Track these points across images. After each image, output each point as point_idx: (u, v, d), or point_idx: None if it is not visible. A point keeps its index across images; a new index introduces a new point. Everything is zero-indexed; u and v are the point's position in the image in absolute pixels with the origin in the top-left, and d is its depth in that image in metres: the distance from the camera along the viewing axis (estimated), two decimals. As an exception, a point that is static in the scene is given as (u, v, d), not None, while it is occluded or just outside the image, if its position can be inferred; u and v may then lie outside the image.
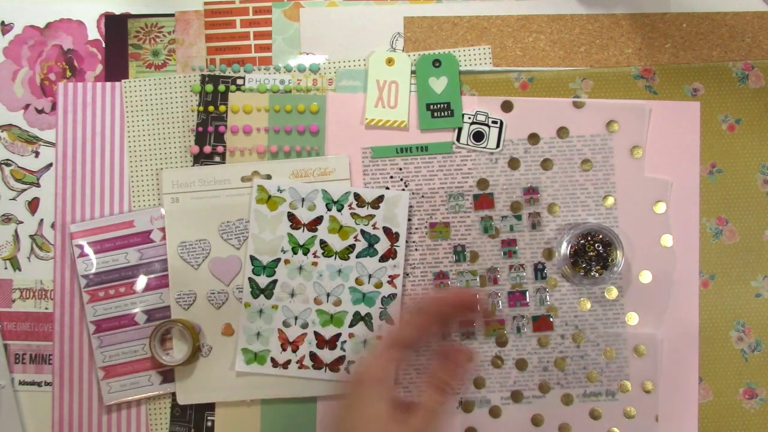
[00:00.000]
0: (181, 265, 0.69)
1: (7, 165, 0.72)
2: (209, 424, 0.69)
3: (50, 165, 0.72)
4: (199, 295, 0.69)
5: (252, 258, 0.69)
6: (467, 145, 0.70)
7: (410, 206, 0.70)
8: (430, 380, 0.45)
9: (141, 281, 0.70)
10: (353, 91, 0.71)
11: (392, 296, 0.69)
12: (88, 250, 0.70)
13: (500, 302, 0.70)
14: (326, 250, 0.69)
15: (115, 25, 0.73)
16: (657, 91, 0.71)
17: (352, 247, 0.69)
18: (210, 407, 0.70)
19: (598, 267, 0.67)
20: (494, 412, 0.70)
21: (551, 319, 0.70)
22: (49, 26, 0.73)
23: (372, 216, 0.69)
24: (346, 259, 0.69)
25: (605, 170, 0.70)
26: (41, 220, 0.72)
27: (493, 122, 0.70)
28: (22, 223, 0.72)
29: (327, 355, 0.69)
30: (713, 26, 0.72)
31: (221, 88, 0.71)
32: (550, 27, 0.72)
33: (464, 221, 0.70)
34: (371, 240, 0.69)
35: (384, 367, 0.45)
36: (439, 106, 0.70)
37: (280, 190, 0.69)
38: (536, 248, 0.70)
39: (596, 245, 0.67)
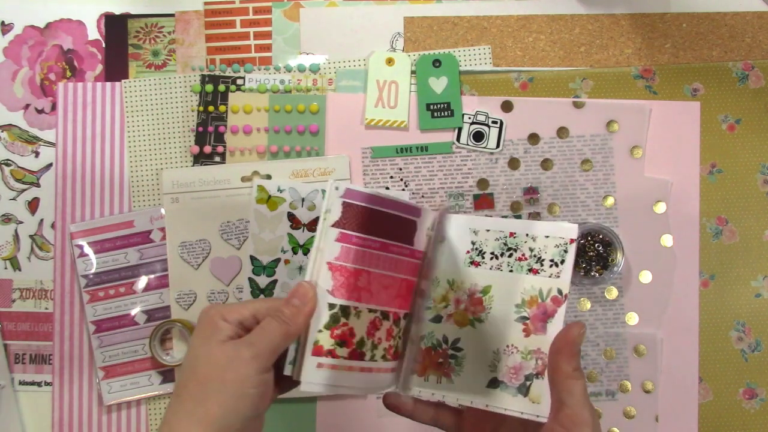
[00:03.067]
0: (181, 265, 0.69)
1: (7, 165, 0.72)
2: (209, 424, 0.69)
3: (50, 165, 0.72)
4: (199, 295, 0.69)
5: (252, 258, 0.69)
6: (467, 145, 0.70)
7: (410, 206, 0.70)
8: (271, 313, 0.47)
9: (141, 281, 0.70)
10: (353, 91, 0.71)
11: (392, 296, 0.69)
12: (88, 250, 0.70)
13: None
14: (326, 250, 0.69)
15: (115, 25, 0.73)
16: (657, 91, 0.71)
17: (352, 247, 0.69)
18: (210, 407, 0.70)
19: (598, 267, 0.67)
20: (494, 412, 0.70)
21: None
22: (49, 26, 0.73)
23: (372, 216, 0.69)
24: (346, 259, 0.69)
25: (605, 170, 0.70)
26: (41, 220, 0.72)
27: (493, 122, 0.70)
28: (22, 223, 0.72)
29: (327, 355, 0.69)
30: (713, 26, 0.72)
31: (221, 88, 0.71)
32: (550, 27, 0.72)
33: (464, 221, 0.70)
34: (371, 240, 0.69)
35: (233, 314, 0.47)
36: (439, 106, 0.70)
37: (280, 190, 0.69)
38: (536, 248, 0.70)
39: (596, 245, 0.67)
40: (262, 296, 0.68)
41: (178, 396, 0.45)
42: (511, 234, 0.51)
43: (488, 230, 0.51)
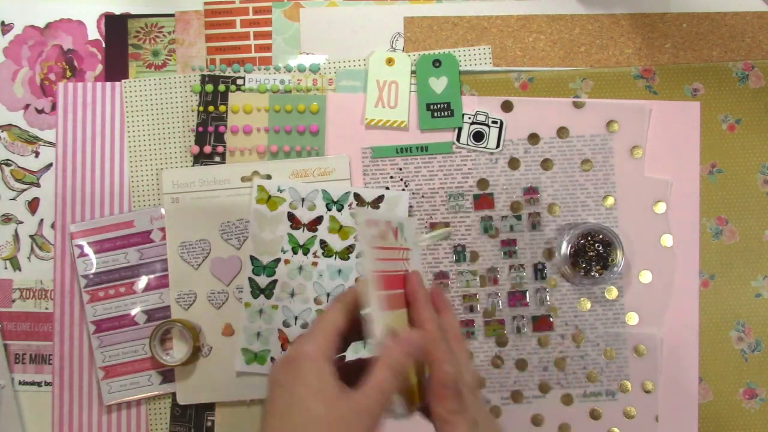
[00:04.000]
0: (181, 265, 0.69)
1: (7, 165, 0.72)
2: (209, 424, 0.69)
3: (50, 165, 0.72)
4: (199, 295, 0.69)
5: (252, 258, 0.69)
6: (467, 145, 0.70)
7: (410, 206, 0.70)
8: (383, 359, 0.42)
9: (141, 281, 0.70)
10: (353, 91, 0.71)
11: (392, 296, 0.69)
12: (88, 250, 0.70)
13: (500, 302, 0.70)
14: (326, 250, 0.69)
15: (115, 25, 0.73)
16: (657, 91, 0.71)
17: (352, 247, 0.69)
18: (210, 407, 0.70)
19: (598, 267, 0.67)
20: (494, 412, 0.70)
21: (551, 319, 0.70)
22: (49, 26, 0.73)
23: (372, 216, 0.69)
24: (346, 259, 0.69)
25: (605, 170, 0.70)
26: (41, 220, 0.72)
27: (493, 122, 0.70)
28: (22, 223, 0.72)
29: (327, 355, 0.69)
30: (713, 26, 0.72)
31: (221, 88, 0.71)
32: (550, 27, 0.72)
33: (464, 221, 0.70)
34: (371, 240, 0.69)
35: (319, 343, 0.42)
36: (439, 106, 0.70)
37: (280, 190, 0.69)
38: (536, 248, 0.70)
39: (596, 245, 0.67)
40: (262, 296, 0.68)
41: None
42: None
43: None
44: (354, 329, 0.45)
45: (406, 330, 0.45)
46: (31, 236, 0.72)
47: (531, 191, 0.70)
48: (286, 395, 0.40)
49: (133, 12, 0.73)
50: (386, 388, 0.41)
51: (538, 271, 0.70)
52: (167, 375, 0.69)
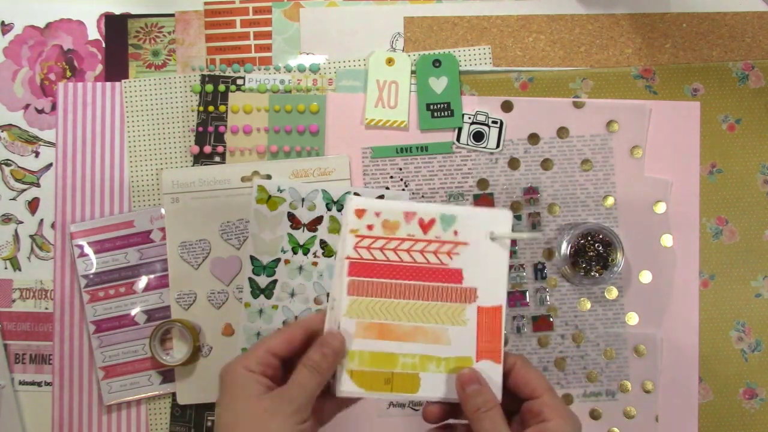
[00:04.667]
0: (181, 265, 0.69)
1: (7, 165, 0.72)
2: (209, 424, 0.69)
3: (50, 165, 0.72)
4: (199, 295, 0.69)
5: (252, 258, 0.69)
6: (467, 145, 0.70)
7: (410, 206, 0.70)
8: (302, 361, 0.48)
9: (141, 281, 0.70)
10: (353, 91, 0.71)
11: (392, 296, 0.69)
12: (88, 250, 0.70)
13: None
14: (326, 250, 0.69)
15: (115, 25, 0.73)
16: (657, 91, 0.71)
17: (352, 247, 0.69)
18: (210, 407, 0.70)
19: (598, 267, 0.67)
20: (494, 412, 0.70)
21: (551, 319, 0.70)
22: (49, 26, 0.73)
23: (372, 216, 0.69)
24: (346, 259, 0.69)
25: (605, 170, 0.70)
26: (41, 220, 0.72)
27: (493, 122, 0.70)
28: (22, 223, 0.72)
29: (327, 355, 0.69)
30: (713, 26, 0.72)
31: (221, 88, 0.71)
32: (550, 27, 0.72)
33: (464, 221, 0.70)
34: (371, 240, 0.69)
35: (252, 361, 0.47)
36: (439, 106, 0.70)
37: (280, 190, 0.69)
38: (536, 248, 0.70)
39: (596, 245, 0.67)
40: (262, 296, 0.68)
41: None
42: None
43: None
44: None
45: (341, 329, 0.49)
46: (31, 236, 0.72)
47: (531, 191, 0.70)
48: (218, 406, 0.47)
49: (133, 12, 0.73)
50: (306, 383, 0.46)
51: (538, 271, 0.70)
52: (167, 375, 0.69)
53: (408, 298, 0.50)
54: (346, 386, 0.48)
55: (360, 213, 0.50)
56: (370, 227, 0.50)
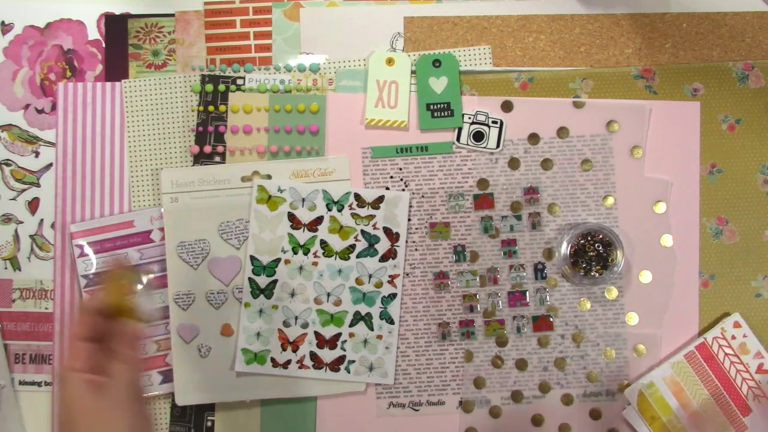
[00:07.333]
0: (180, 265, 0.69)
1: (7, 165, 0.72)
2: (209, 424, 0.69)
3: (50, 165, 0.72)
4: (199, 295, 0.69)
5: (252, 258, 0.69)
6: (467, 145, 0.70)
7: (410, 206, 0.70)
8: (115, 355, 0.52)
9: (141, 281, 0.70)
10: (353, 91, 0.71)
11: (392, 296, 0.69)
12: (88, 250, 0.70)
13: (500, 302, 0.70)
14: (326, 250, 0.69)
15: (115, 25, 0.73)
16: (657, 91, 0.71)
17: (352, 247, 0.69)
18: (210, 407, 0.70)
19: (598, 267, 0.67)
20: (494, 412, 0.70)
21: (551, 319, 0.70)
22: (49, 26, 0.73)
23: (372, 216, 0.69)
24: (346, 259, 0.69)
25: (605, 170, 0.70)
26: (41, 220, 0.72)
27: (493, 122, 0.70)
28: (22, 223, 0.72)
29: (327, 355, 0.69)
30: (713, 26, 0.72)
31: (221, 88, 0.71)
32: (550, 27, 0.72)
33: (464, 221, 0.70)
34: (371, 240, 0.69)
35: (72, 356, 0.51)
36: (439, 106, 0.70)
37: (280, 190, 0.69)
38: (536, 248, 0.70)
39: (596, 245, 0.67)
40: (262, 296, 0.68)
41: None
42: None
43: None
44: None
45: None
46: (31, 236, 0.72)
47: (531, 191, 0.70)
48: (58, 408, 0.54)
49: (133, 12, 0.73)
50: (121, 373, 0.51)
51: (538, 271, 0.70)
52: (167, 375, 0.69)
53: None
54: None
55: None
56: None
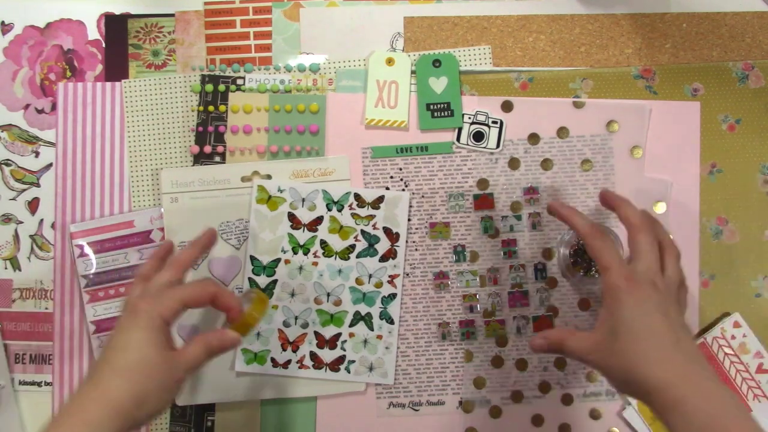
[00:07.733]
0: (181, 265, 0.69)
1: (7, 165, 0.72)
2: (209, 424, 0.69)
3: (50, 165, 0.72)
4: (199, 295, 0.69)
5: (252, 258, 0.69)
6: (467, 145, 0.70)
7: (410, 206, 0.70)
8: (199, 337, 0.55)
9: (141, 281, 0.70)
10: (353, 91, 0.71)
11: (392, 296, 0.69)
12: (88, 250, 0.70)
13: (500, 302, 0.70)
14: (326, 250, 0.69)
15: (115, 25, 0.73)
16: (657, 91, 0.71)
17: (352, 247, 0.69)
18: (210, 407, 0.70)
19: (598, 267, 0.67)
20: (494, 412, 0.70)
21: (551, 319, 0.70)
22: (49, 26, 0.73)
23: (372, 216, 0.69)
24: (346, 259, 0.69)
25: (605, 170, 0.70)
26: (41, 220, 0.72)
27: (493, 122, 0.70)
28: (22, 223, 0.72)
29: (327, 355, 0.69)
30: (713, 26, 0.72)
31: (221, 88, 0.71)
32: (550, 27, 0.72)
33: (464, 221, 0.70)
34: (371, 240, 0.69)
35: (164, 305, 0.53)
36: (439, 106, 0.70)
37: (280, 190, 0.69)
38: (536, 248, 0.70)
39: (596, 245, 0.67)
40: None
41: (98, 376, 0.50)
42: None
43: None
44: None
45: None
46: (31, 236, 0.72)
47: (531, 191, 0.70)
48: (125, 335, 0.52)
49: (133, 12, 0.73)
50: (198, 357, 0.54)
51: (538, 271, 0.70)
52: (167, 375, 0.69)
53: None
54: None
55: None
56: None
